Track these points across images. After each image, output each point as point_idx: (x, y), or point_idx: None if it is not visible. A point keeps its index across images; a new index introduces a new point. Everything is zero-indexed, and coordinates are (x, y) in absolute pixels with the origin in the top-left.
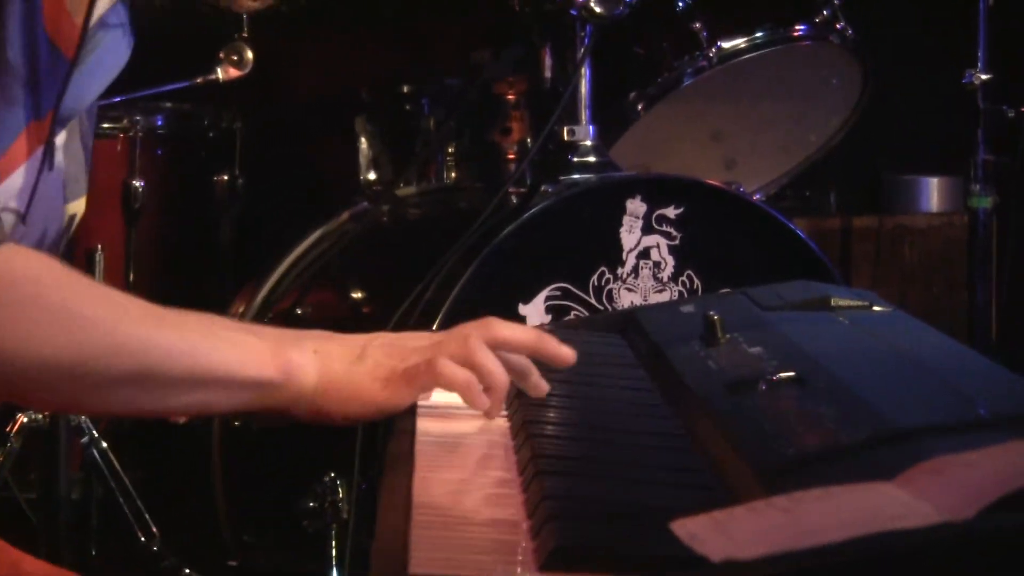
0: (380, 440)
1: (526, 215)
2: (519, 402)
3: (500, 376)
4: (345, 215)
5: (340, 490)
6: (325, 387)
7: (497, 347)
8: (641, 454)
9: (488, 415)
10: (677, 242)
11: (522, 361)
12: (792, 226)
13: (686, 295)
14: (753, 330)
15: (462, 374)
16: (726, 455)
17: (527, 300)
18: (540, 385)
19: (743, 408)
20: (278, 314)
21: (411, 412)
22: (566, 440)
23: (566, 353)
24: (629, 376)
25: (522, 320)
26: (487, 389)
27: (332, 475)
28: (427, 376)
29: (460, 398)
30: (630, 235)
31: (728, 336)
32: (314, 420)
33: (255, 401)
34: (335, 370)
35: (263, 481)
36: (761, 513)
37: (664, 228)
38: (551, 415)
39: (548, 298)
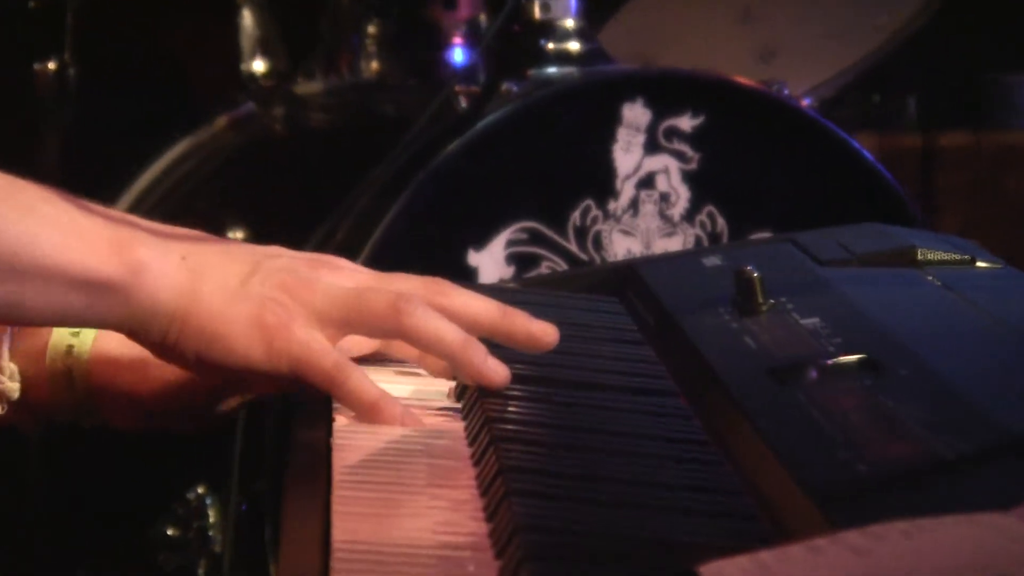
0: (270, 437)
1: (479, 126)
2: (478, 394)
3: (453, 333)
4: (221, 121)
5: (211, 512)
6: (186, 313)
7: (445, 314)
8: (650, 469)
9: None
10: (694, 165)
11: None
12: (855, 145)
13: (706, 241)
14: (806, 293)
15: (450, 329)
16: (770, 471)
17: (480, 245)
18: (490, 373)
19: (792, 404)
20: None
21: (325, 404)
22: (546, 448)
23: (543, 332)
24: (630, 357)
25: (471, 274)
26: (447, 358)
27: (200, 490)
28: (384, 316)
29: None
30: (627, 155)
31: (771, 302)
32: (160, 354)
33: (85, 310)
34: (206, 294)
35: (100, 498)
36: (826, 555)
37: (675, 145)
38: (524, 412)
39: (510, 243)
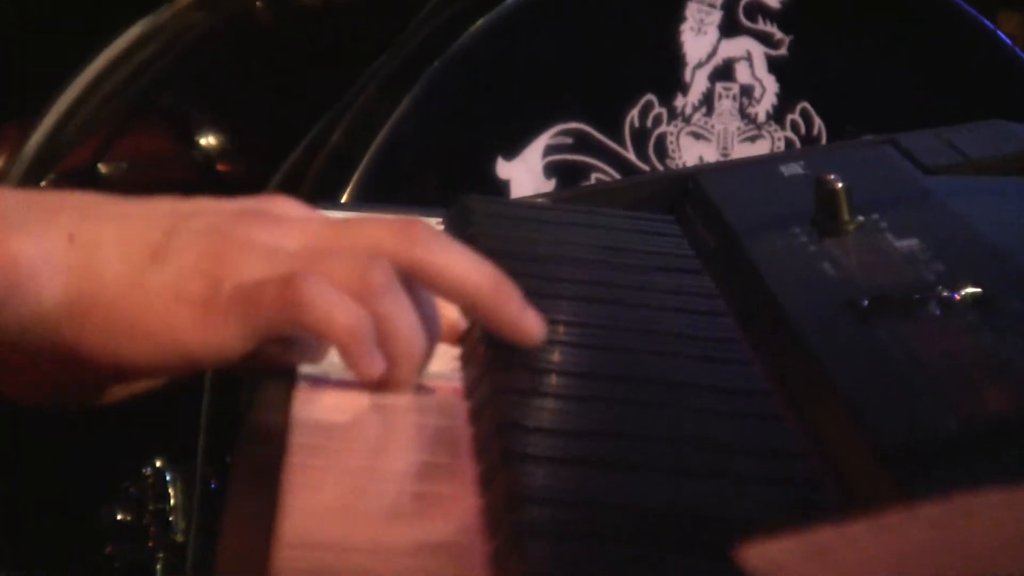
0: (247, 394)
1: (510, 0)
2: (489, 348)
3: (409, 335)
4: None
5: (171, 491)
6: (84, 306)
7: (419, 280)
8: (692, 425)
9: (385, 386)
10: (783, 51)
11: (450, 320)
12: (989, 26)
13: (798, 146)
14: (904, 208)
15: (345, 312)
16: (838, 428)
17: (511, 153)
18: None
19: (874, 346)
20: (64, 175)
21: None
22: (561, 401)
23: (532, 329)
24: (683, 289)
25: (502, 189)
26: (389, 358)
27: (157, 464)
28: (278, 306)
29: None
30: (699, 38)
31: (860, 219)
32: (58, 363)
33: None
34: (108, 278)
35: (30, 476)
36: (897, 533)
37: (760, 26)
38: (539, 358)
39: (550, 149)
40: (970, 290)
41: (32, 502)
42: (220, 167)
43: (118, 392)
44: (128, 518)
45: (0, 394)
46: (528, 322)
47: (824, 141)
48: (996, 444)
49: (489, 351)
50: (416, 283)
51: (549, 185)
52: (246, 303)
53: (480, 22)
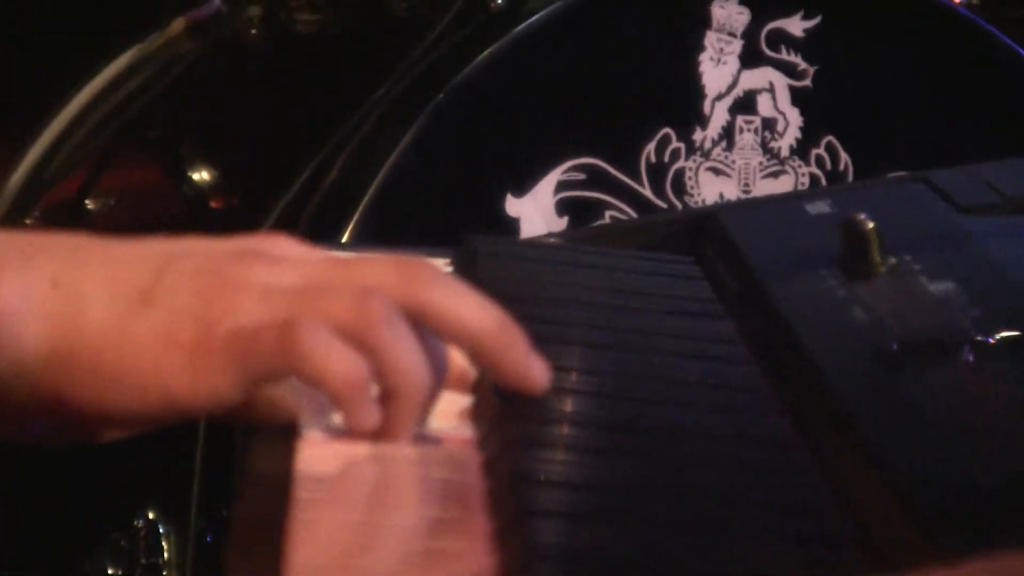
0: (242, 445)
1: (519, 27)
2: (500, 398)
3: (410, 368)
4: (179, 24)
5: (165, 544)
6: (67, 355)
7: (421, 321)
8: (715, 479)
9: (382, 435)
10: (807, 82)
11: (459, 368)
12: (1019, 51)
13: (823, 182)
14: (938, 249)
15: (341, 362)
16: (870, 484)
17: (521, 189)
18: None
19: (908, 398)
20: (49, 211)
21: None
22: (579, 453)
23: (538, 377)
24: (703, 334)
25: (511, 227)
26: (389, 393)
27: (150, 516)
28: (274, 354)
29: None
30: (718, 68)
31: (892, 260)
32: (38, 413)
33: None
34: (91, 323)
35: (18, 527)
36: None
37: (783, 55)
38: (556, 408)
39: (562, 185)
40: (1006, 334)
41: (17, 553)
42: (212, 203)
43: (110, 434)
44: (119, 572)
45: None
46: (532, 369)
47: (851, 176)
48: None
49: (501, 400)
50: (422, 326)
51: (561, 223)
52: (241, 349)
53: (487, 51)
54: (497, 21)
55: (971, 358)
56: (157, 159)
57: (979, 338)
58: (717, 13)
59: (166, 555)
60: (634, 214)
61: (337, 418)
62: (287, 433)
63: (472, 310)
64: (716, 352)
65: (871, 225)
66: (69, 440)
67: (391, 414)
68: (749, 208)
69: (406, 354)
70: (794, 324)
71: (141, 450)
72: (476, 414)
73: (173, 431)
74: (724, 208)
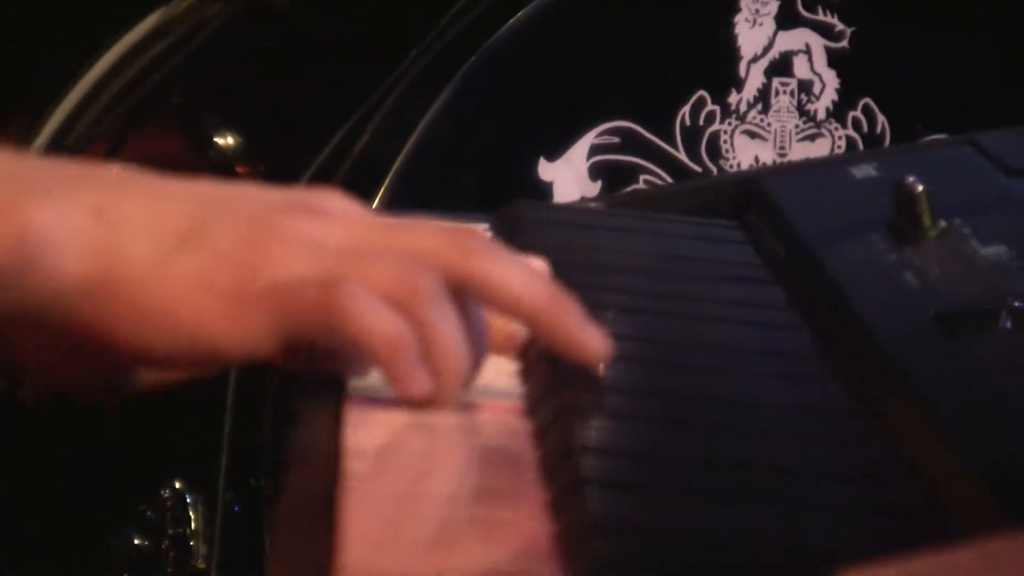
0: (271, 413)
1: None
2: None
3: (454, 348)
4: None
5: (192, 515)
6: (105, 287)
7: (473, 293)
8: (772, 449)
9: (426, 403)
10: (844, 43)
11: (507, 331)
12: None
13: (861, 145)
14: (990, 213)
15: (386, 323)
16: (934, 452)
17: (554, 153)
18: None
19: (968, 363)
20: None
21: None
22: (634, 424)
23: (596, 346)
24: (754, 300)
25: (544, 191)
26: (430, 363)
27: (177, 486)
28: (315, 311)
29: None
30: (754, 30)
31: (943, 224)
32: (78, 347)
33: None
34: (133, 258)
35: (42, 497)
36: (1003, 562)
37: (820, 16)
38: (608, 376)
39: (595, 149)
40: None
41: (42, 525)
42: (238, 169)
43: (137, 384)
44: (145, 543)
45: (17, 390)
46: (590, 339)
47: (888, 140)
48: None
49: (551, 368)
50: (465, 296)
51: (595, 187)
52: (281, 301)
53: (521, 13)
54: None
55: (1021, 322)
56: (182, 125)
57: None
58: None
59: (193, 525)
60: (668, 178)
61: (384, 385)
62: (334, 401)
63: (524, 282)
64: (767, 318)
65: (921, 188)
66: (99, 388)
67: (434, 392)
68: (792, 173)
69: (449, 334)
70: (846, 290)
71: (168, 419)
72: (525, 379)
73: (201, 400)
74: (766, 173)
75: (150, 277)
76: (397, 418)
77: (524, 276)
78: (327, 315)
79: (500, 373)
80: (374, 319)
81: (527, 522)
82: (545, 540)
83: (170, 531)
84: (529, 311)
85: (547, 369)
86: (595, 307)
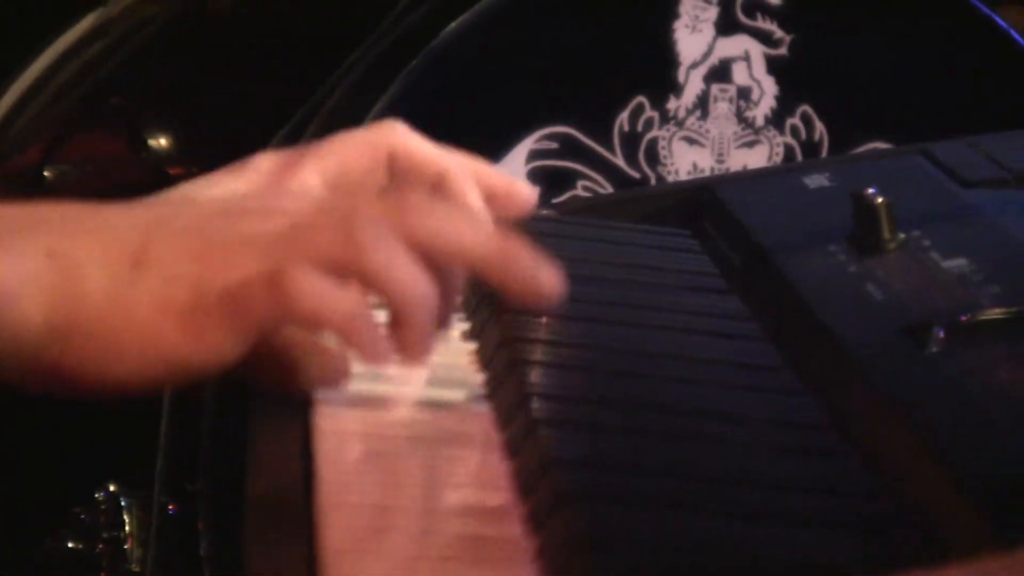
0: (208, 416)
1: None
2: (506, 357)
3: (411, 282)
4: None
5: (127, 517)
6: (67, 328)
7: (421, 249)
8: (758, 462)
9: (402, 360)
10: (783, 50)
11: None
12: (1000, 24)
13: (799, 152)
14: (948, 225)
15: (334, 299)
16: (916, 466)
17: (493, 157)
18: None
19: (940, 374)
20: (7, 180)
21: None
22: (607, 438)
23: (545, 283)
24: (713, 310)
25: None
26: (395, 320)
27: (111, 489)
28: (265, 304)
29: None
30: (694, 36)
31: (901, 236)
32: (46, 388)
33: None
34: (88, 294)
35: None
36: None
37: (759, 23)
38: (579, 389)
39: (534, 154)
40: None
41: None
42: (171, 171)
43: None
44: (80, 546)
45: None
46: (542, 279)
47: (826, 147)
48: None
49: (522, 379)
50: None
51: (534, 191)
52: (233, 306)
53: (462, 17)
54: None
55: (1004, 336)
56: (120, 126)
57: (1004, 311)
58: None
59: (127, 528)
60: (607, 184)
61: (350, 387)
62: (298, 406)
63: (470, 230)
64: (728, 329)
65: (881, 200)
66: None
67: (405, 336)
68: (745, 182)
69: (403, 270)
70: (811, 303)
71: (102, 422)
72: (493, 390)
73: (136, 403)
74: (720, 181)
75: (107, 309)
76: (367, 422)
77: (468, 225)
78: (278, 305)
79: (457, 354)
80: (320, 298)
81: (511, 536)
82: (530, 556)
83: (104, 534)
84: (477, 257)
85: (518, 380)
86: (555, 317)
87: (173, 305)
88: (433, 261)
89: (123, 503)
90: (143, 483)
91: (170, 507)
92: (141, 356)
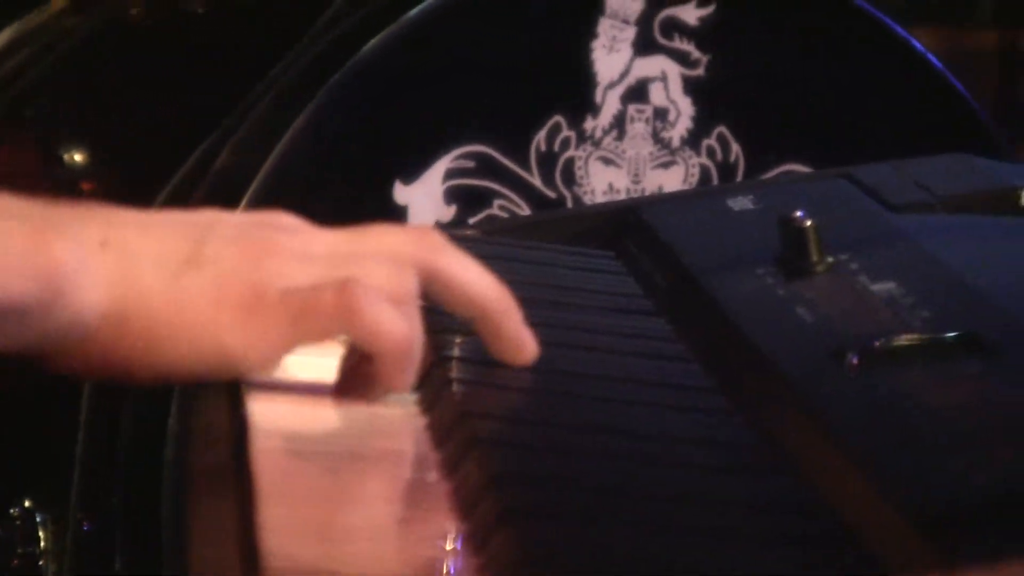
0: (126, 434)
1: (411, 12)
2: (443, 376)
3: (420, 346)
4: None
5: (43, 533)
6: (123, 314)
7: (435, 287)
8: (701, 482)
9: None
10: (700, 71)
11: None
12: (916, 45)
13: (715, 174)
14: (876, 249)
15: (396, 325)
16: (851, 487)
17: (410, 176)
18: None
19: (871, 396)
20: None
21: (227, 391)
22: (545, 455)
23: (528, 343)
24: (641, 332)
25: (400, 214)
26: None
27: (26, 505)
28: (332, 312)
29: (378, 368)
30: (611, 56)
31: (829, 260)
32: (94, 372)
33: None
34: (144, 283)
35: None
36: None
37: (676, 44)
38: (512, 404)
39: (451, 173)
40: (959, 333)
41: None
42: (84, 186)
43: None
44: None
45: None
46: (527, 339)
47: (742, 168)
48: None
49: (459, 398)
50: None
51: (449, 211)
52: (298, 307)
53: (381, 34)
54: (392, 4)
55: (934, 360)
56: (33, 140)
57: (929, 336)
58: (611, 0)
59: (43, 544)
60: (523, 204)
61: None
62: (229, 386)
63: (479, 278)
64: (656, 350)
65: (810, 223)
66: None
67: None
68: (669, 203)
69: (421, 331)
70: (741, 326)
71: (18, 437)
72: (427, 408)
73: (53, 417)
74: (644, 203)
75: (163, 300)
76: (302, 405)
77: (480, 274)
78: (344, 315)
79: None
80: (388, 320)
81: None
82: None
83: (19, 550)
84: (479, 305)
85: (455, 400)
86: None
87: (230, 300)
88: (435, 299)
89: (38, 519)
90: (59, 498)
91: (85, 524)
92: (193, 346)
